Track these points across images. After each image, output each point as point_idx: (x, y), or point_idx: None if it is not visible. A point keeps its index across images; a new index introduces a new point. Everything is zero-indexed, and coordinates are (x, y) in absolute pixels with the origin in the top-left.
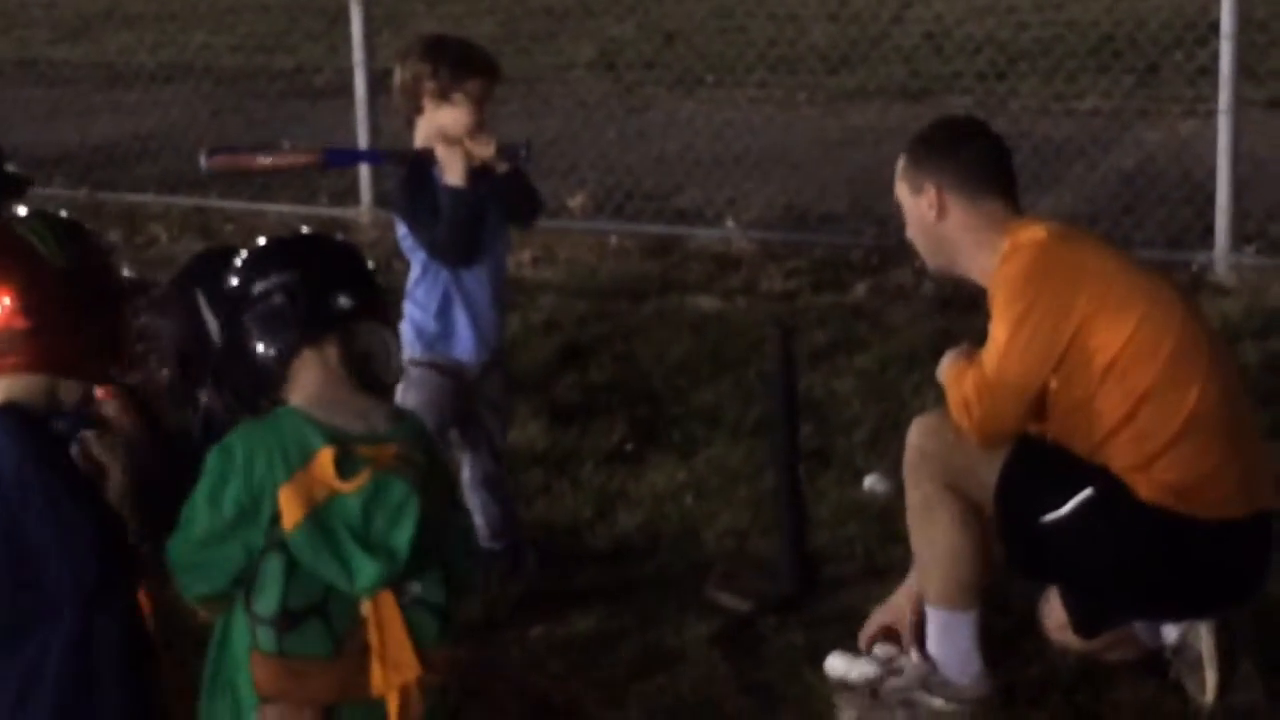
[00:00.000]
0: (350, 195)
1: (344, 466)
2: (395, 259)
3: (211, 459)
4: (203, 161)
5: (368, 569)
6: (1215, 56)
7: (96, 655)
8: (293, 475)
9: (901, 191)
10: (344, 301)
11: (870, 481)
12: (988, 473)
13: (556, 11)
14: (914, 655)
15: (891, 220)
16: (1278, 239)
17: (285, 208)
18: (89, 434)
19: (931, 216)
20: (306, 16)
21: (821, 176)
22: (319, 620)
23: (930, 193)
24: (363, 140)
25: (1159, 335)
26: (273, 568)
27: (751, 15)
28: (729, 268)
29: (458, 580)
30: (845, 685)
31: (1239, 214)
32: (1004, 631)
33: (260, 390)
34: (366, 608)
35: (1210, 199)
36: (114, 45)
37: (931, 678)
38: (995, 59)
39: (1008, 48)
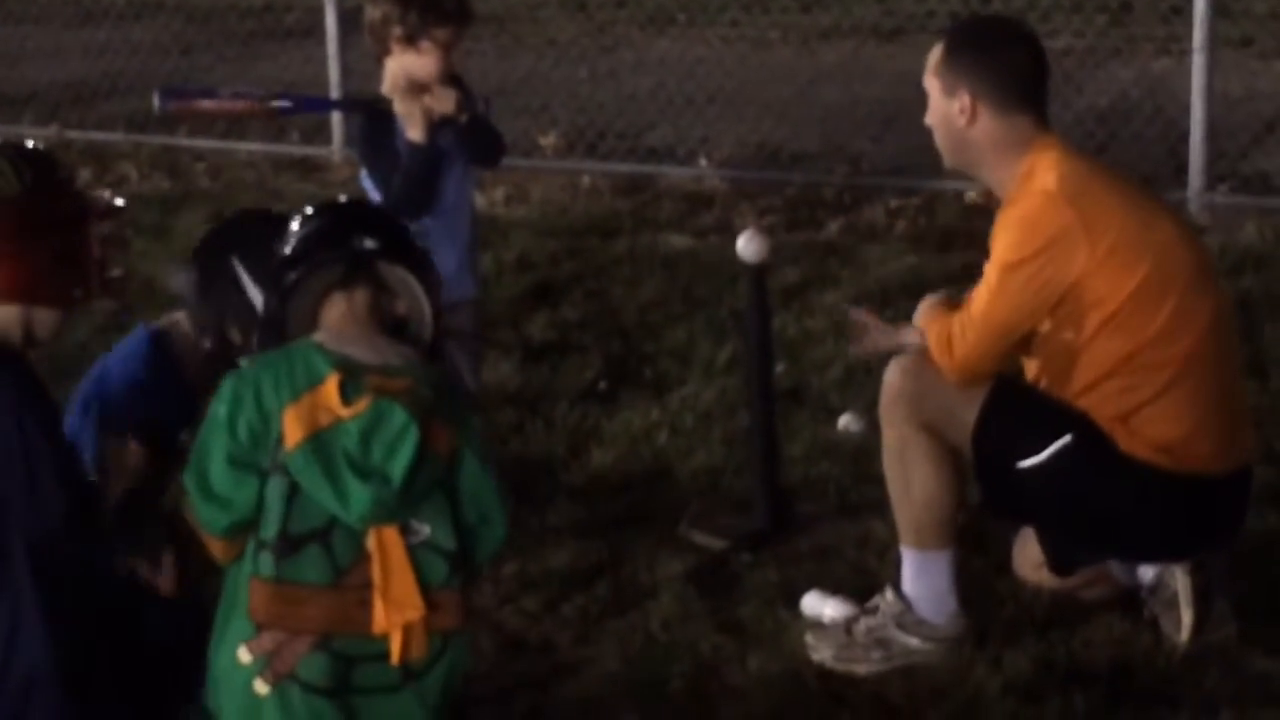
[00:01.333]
0: (321, 134)
1: (348, 392)
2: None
3: (224, 386)
4: (155, 102)
5: (360, 493)
6: None
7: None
8: (298, 397)
9: (931, 85)
10: (367, 243)
11: (844, 420)
12: (965, 414)
13: None
14: (889, 594)
15: (864, 158)
16: (1251, 178)
17: (256, 146)
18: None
19: (960, 122)
20: None
21: (794, 115)
22: (320, 548)
23: (964, 98)
24: (334, 79)
25: (1162, 291)
26: (275, 490)
27: None
28: (701, 206)
29: (489, 534)
30: (820, 624)
31: (1213, 153)
32: (979, 571)
33: (289, 335)
34: (371, 542)
35: (1184, 138)
36: None
37: (906, 616)
38: None
39: None
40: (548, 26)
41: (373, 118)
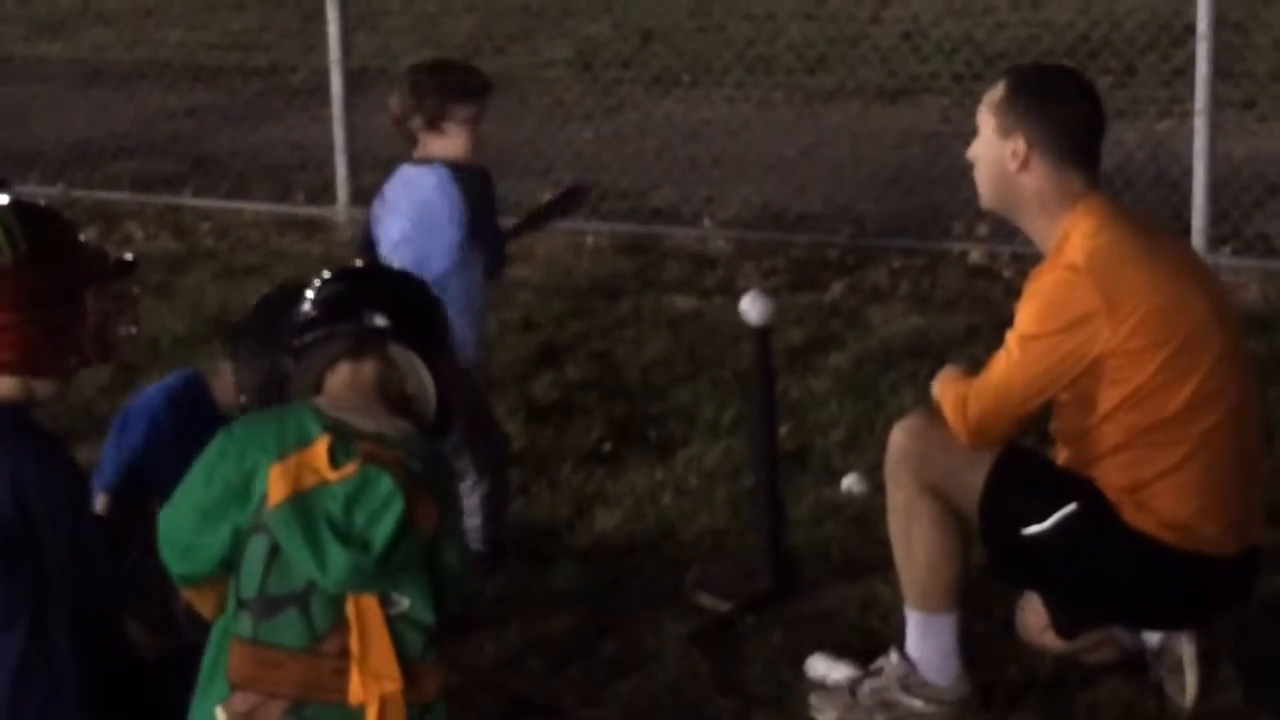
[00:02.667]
0: (326, 194)
1: (338, 455)
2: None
3: (214, 439)
4: None
5: (338, 558)
6: (1191, 58)
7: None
8: (286, 456)
9: (986, 123)
10: (379, 321)
11: (848, 482)
12: (972, 478)
13: (533, 9)
14: (893, 656)
15: (868, 219)
16: (1254, 240)
17: (261, 206)
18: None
19: (1012, 165)
20: (283, 14)
21: (798, 176)
22: (298, 611)
23: (1019, 142)
24: (339, 140)
25: (1187, 371)
26: (256, 549)
27: (729, 14)
28: (705, 267)
29: (450, 604)
30: (824, 686)
31: (1215, 214)
32: (983, 633)
33: (289, 397)
34: (350, 610)
35: (1186, 199)
36: (89, 42)
37: (910, 679)
38: (972, 59)
39: (984, 48)
40: (553, 87)
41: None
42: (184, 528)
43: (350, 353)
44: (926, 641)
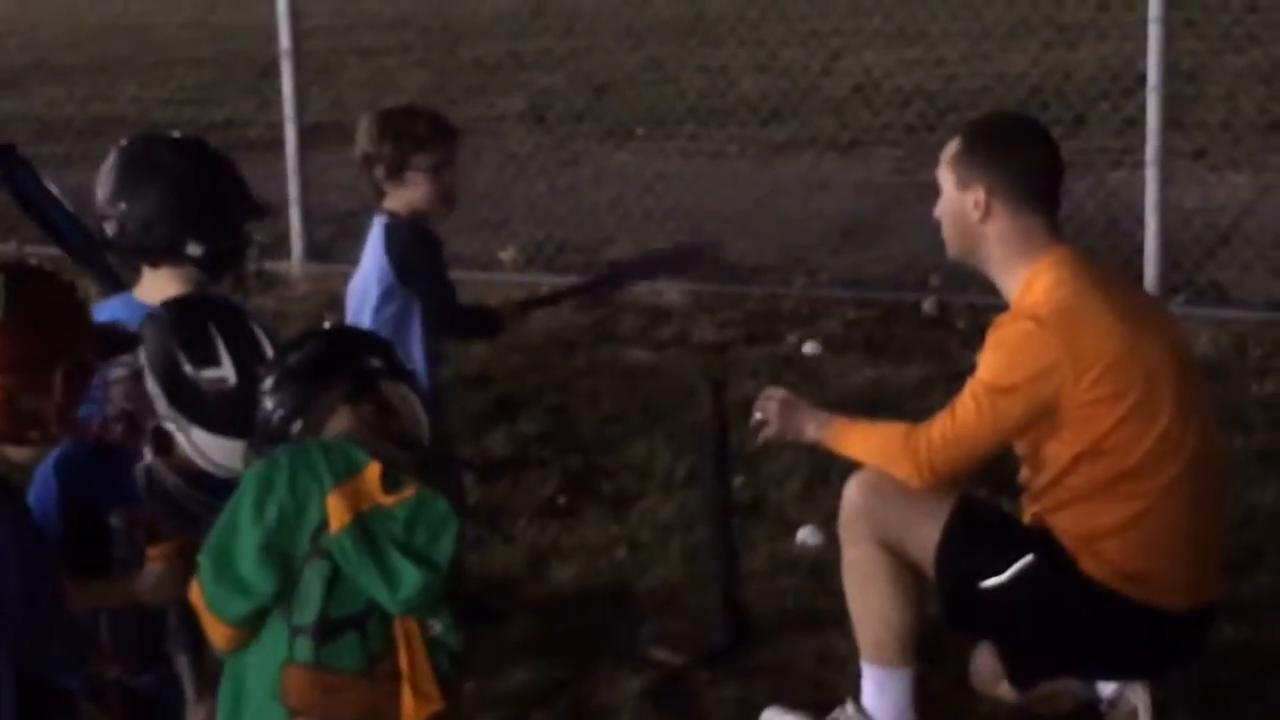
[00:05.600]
0: (281, 248)
1: (389, 483)
2: (327, 312)
3: (253, 472)
4: None
5: (411, 576)
6: (1142, 108)
7: None
8: (342, 483)
9: (946, 178)
10: (374, 362)
11: (803, 534)
12: (927, 531)
13: (487, 64)
14: (849, 709)
15: (823, 270)
16: (1205, 289)
17: None
18: None
19: (974, 216)
20: (238, 69)
21: (752, 228)
22: (355, 634)
23: (979, 193)
24: (293, 194)
25: (1146, 423)
26: (316, 575)
27: (682, 67)
28: (661, 319)
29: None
30: None
31: (1167, 264)
32: (938, 683)
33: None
34: (398, 631)
35: (1139, 249)
36: (42, 98)
37: None
38: (924, 111)
39: (936, 99)
40: (507, 140)
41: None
42: (248, 567)
43: (348, 397)
44: (883, 696)
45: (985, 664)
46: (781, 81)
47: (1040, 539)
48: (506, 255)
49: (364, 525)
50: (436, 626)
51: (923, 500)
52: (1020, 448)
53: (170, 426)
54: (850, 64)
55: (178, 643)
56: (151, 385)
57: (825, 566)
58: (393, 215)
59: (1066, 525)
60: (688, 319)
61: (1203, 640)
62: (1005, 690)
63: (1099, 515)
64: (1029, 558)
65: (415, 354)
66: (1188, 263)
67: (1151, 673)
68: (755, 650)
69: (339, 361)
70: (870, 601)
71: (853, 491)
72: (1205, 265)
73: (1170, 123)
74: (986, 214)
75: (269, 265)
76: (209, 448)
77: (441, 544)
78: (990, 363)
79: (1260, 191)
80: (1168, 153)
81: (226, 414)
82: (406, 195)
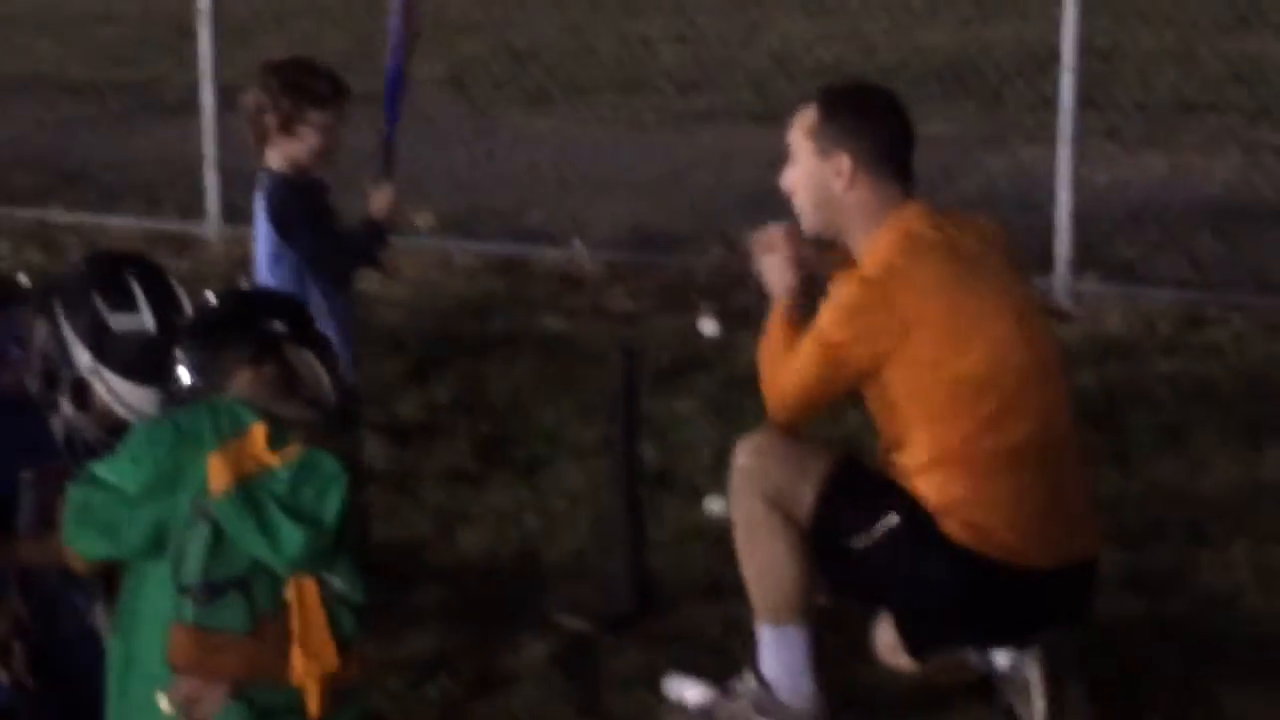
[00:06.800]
0: (195, 209)
1: (275, 440)
2: (242, 274)
3: (141, 427)
4: None
5: (294, 537)
6: (1057, 85)
7: None
8: (224, 443)
9: (802, 146)
10: (277, 326)
11: (709, 502)
12: (806, 491)
13: None
14: (748, 677)
15: (738, 242)
16: (1117, 266)
17: (130, 220)
18: None
19: (837, 186)
20: (157, 29)
21: (669, 197)
22: (240, 595)
23: (842, 161)
24: (209, 155)
25: (984, 388)
26: (198, 537)
27: (601, 36)
28: (575, 287)
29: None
30: (681, 707)
31: (1080, 241)
32: (839, 653)
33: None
34: (290, 592)
35: (1051, 226)
36: None
37: (764, 700)
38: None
39: (855, 72)
40: (427, 106)
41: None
42: (106, 506)
43: (250, 359)
44: (779, 656)
45: (884, 633)
46: (701, 51)
47: (905, 499)
48: (423, 221)
49: (245, 486)
50: (336, 583)
51: (803, 460)
52: (873, 408)
53: (89, 377)
54: (769, 36)
55: (93, 598)
56: (69, 334)
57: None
58: (269, 174)
59: (921, 489)
60: (602, 288)
61: (1080, 606)
62: (904, 660)
63: (950, 480)
64: (893, 517)
65: (317, 309)
66: (1099, 241)
67: (1021, 636)
68: (661, 618)
69: (242, 324)
70: (760, 561)
71: (740, 453)
72: (1116, 243)
73: (1084, 101)
74: (851, 183)
75: (186, 227)
76: (128, 395)
77: (328, 501)
78: (823, 318)
79: (1172, 171)
80: (1083, 131)
81: (145, 361)
82: (291, 149)
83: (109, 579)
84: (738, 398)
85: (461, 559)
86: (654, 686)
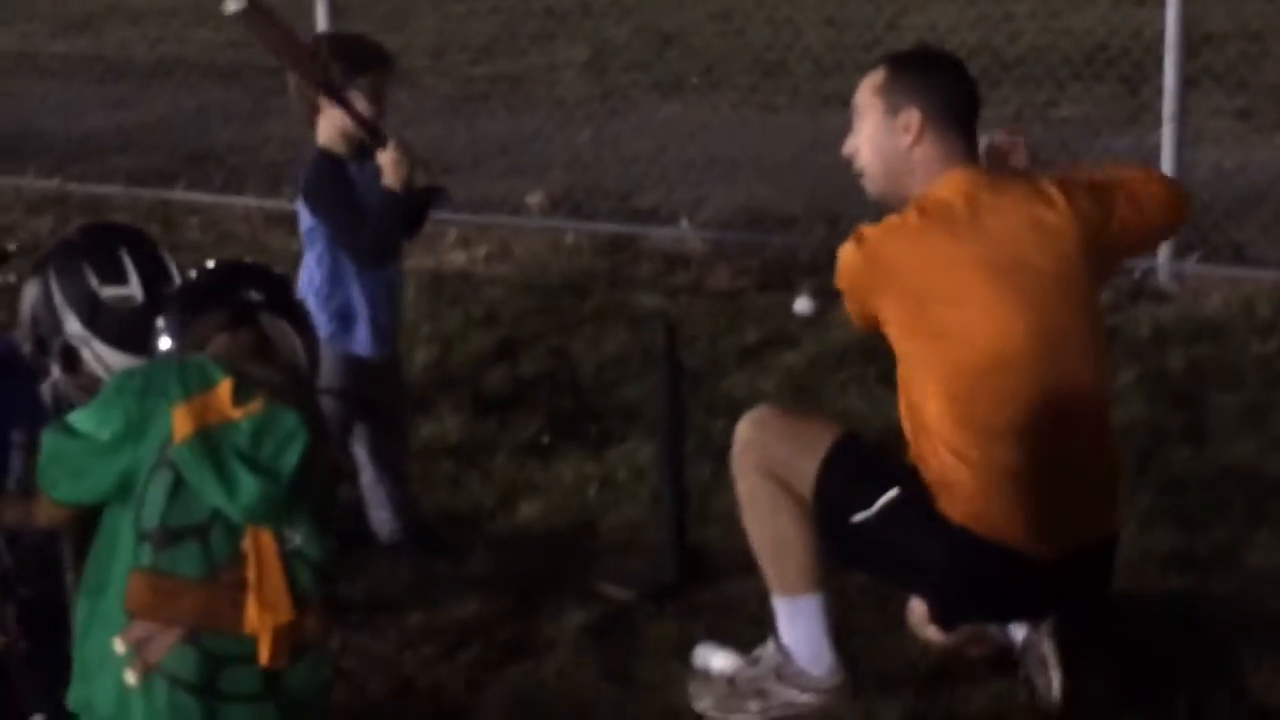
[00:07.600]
0: None
1: (240, 396)
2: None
3: (113, 379)
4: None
5: (250, 486)
6: (1203, 70)
7: None
8: (190, 397)
9: (871, 104)
10: (253, 295)
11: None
12: (809, 464)
13: (557, 13)
14: (770, 646)
15: (842, 220)
16: (1222, 247)
17: (250, 201)
18: None
19: (905, 141)
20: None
21: (784, 179)
22: (198, 543)
23: (912, 115)
24: None
25: (991, 369)
26: (159, 484)
27: (749, 19)
28: (678, 266)
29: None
30: (706, 674)
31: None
32: (871, 625)
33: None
34: (248, 543)
35: None
36: (114, 40)
37: (785, 668)
38: (988, 67)
39: (1001, 55)
40: (561, 88)
41: (328, 161)
42: (77, 452)
43: (225, 325)
44: (795, 627)
45: (916, 604)
46: (847, 35)
47: (908, 474)
48: (533, 200)
49: (206, 436)
50: (296, 539)
51: (806, 434)
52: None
53: (78, 344)
54: (916, 19)
55: (69, 562)
56: (60, 302)
57: None
58: (316, 149)
59: (924, 465)
60: (705, 266)
61: (1091, 583)
62: (934, 632)
63: (944, 457)
64: (894, 491)
65: (350, 284)
66: (1206, 222)
67: (1032, 614)
68: (704, 589)
69: (220, 292)
70: (766, 534)
71: (743, 427)
72: (1227, 226)
73: (1213, 82)
74: (919, 138)
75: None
76: (116, 364)
77: (287, 455)
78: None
79: None
80: (1207, 112)
81: (133, 331)
82: (340, 118)
83: (79, 542)
84: (819, 376)
85: (519, 530)
86: (685, 656)
